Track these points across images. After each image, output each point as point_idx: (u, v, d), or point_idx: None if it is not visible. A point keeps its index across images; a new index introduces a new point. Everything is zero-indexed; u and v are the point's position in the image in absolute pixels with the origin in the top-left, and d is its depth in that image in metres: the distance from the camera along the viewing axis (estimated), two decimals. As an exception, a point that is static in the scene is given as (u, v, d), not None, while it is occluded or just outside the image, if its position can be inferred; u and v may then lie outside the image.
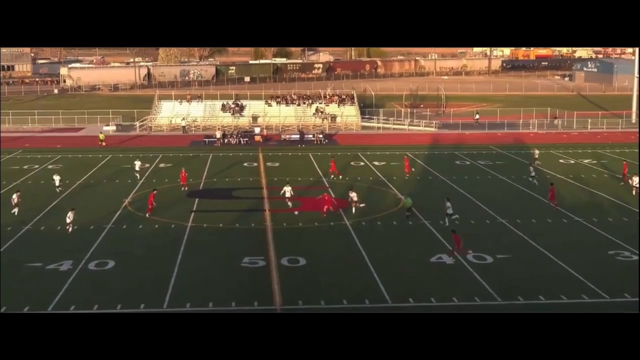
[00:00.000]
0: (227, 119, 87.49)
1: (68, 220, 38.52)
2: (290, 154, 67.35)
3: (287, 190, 44.56)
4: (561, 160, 63.37)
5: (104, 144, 72.94)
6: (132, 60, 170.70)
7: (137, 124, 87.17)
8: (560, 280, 31.53)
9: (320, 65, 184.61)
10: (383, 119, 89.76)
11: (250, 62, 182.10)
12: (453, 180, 53.27)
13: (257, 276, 31.99)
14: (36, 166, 60.18)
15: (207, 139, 76.22)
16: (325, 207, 42.43)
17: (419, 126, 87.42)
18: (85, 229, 39.24)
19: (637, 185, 47.53)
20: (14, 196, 42.91)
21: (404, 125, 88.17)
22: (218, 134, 76.34)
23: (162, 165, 60.95)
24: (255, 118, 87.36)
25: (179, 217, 41.98)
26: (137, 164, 55.48)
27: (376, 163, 61.47)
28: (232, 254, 34.98)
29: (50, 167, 59.93)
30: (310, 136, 77.16)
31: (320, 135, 76.40)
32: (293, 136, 78.06)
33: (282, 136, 77.84)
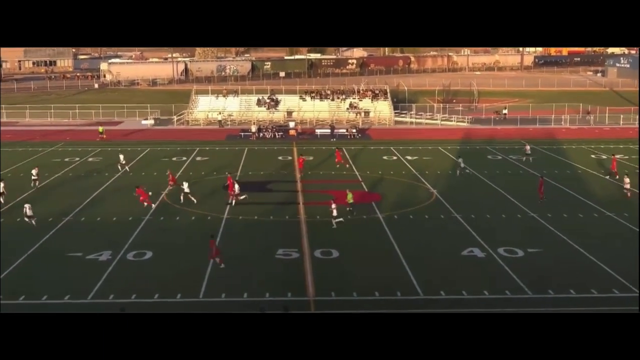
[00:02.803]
0: (262, 114, 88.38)
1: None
2: (324, 148, 67.94)
3: (185, 186, 45.44)
4: (593, 156, 63.18)
5: (104, 136, 74.64)
6: (170, 55, 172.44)
7: (175, 118, 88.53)
8: (590, 274, 31.70)
9: (354, 61, 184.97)
10: (416, 114, 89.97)
11: (286, 57, 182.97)
12: (484, 174, 53.49)
13: (290, 268, 32.59)
14: (77, 158, 61.51)
15: (242, 133, 77.16)
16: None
17: (452, 121, 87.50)
18: (124, 220, 40.17)
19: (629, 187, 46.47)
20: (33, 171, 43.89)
21: (436, 120, 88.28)
22: (253, 128, 77.22)
23: (198, 158, 61.97)
24: (289, 112, 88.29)
25: (215, 209, 42.78)
26: (121, 157, 57.27)
27: (409, 157, 61.86)
28: (267, 245, 35.64)
29: (90, 159, 61.20)
30: (344, 131, 77.70)
31: (354, 130, 76.86)
32: (324, 131, 78.59)
33: (317, 131, 78.34)
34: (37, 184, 48.41)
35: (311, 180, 51.87)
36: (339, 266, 32.80)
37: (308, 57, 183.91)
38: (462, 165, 54.31)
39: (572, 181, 49.81)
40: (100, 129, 76.23)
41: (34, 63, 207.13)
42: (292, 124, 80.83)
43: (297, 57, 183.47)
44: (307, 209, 43.10)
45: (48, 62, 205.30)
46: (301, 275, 31.48)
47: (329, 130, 77.70)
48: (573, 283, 30.37)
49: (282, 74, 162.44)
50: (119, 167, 55.63)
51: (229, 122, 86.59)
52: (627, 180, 46.62)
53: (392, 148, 67.00)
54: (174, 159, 61.31)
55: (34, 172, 49.03)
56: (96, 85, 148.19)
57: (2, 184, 43.79)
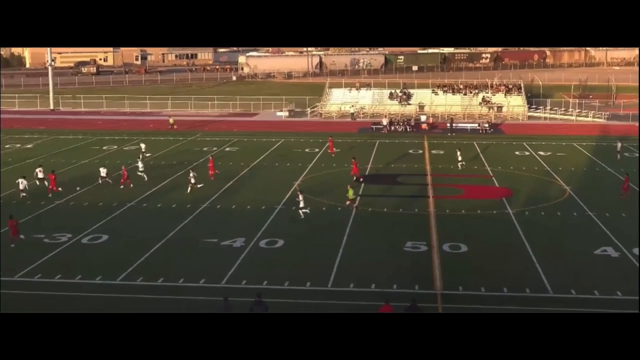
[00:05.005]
0: (394, 107, 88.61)
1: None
2: (455, 142, 67.51)
3: (102, 171, 47.59)
4: None
5: (175, 127, 77.20)
6: (305, 49, 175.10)
7: (308, 110, 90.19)
8: None
9: (488, 55, 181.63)
10: (550, 110, 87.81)
11: (419, 51, 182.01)
12: (621, 172, 51.71)
13: (418, 260, 32.72)
14: (214, 148, 63.79)
15: (374, 126, 77.67)
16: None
17: (587, 117, 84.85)
18: (258, 208, 41.43)
19: None
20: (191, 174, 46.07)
21: (571, 115, 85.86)
22: (385, 121, 77.61)
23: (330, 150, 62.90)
24: (421, 106, 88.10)
25: (345, 200, 43.42)
26: (143, 146, 60.91)
27: (541, 153, 60.63)
28: (395, 238, 35.92)
29: (227, 149, 63.36)
30: (476, 125, 77.02)
31: (486, 125, 75.99)
32: (460, 125, 78.12)
33: (448, 125, 77.88)
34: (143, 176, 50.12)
35: (441, 174, 51.77)
36: (467, 261, 32.70)
37: (441, 51, 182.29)
38: (619, 148, 57.48)
39: None
40: (171, 120, 79.26)
41: (176, 56, 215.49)
42: (423, 118, 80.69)
43: (430, 51, 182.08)
44: (437, 202, 43.11)
45: (189, 55, 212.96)
46: (429, 268, 31.62)
47: (466, 124, 77.41)
48: None
49: (414, 67, 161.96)
50: (141, 155, 57.50)
51: (361, 115, 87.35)
52: None
53: (524, 143, 65.83)
54: (307, 150, 62.51)
55: (139, 165, 51.27)
56: (234, 78, 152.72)
57: (192, 174, 46.29)
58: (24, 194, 43.93)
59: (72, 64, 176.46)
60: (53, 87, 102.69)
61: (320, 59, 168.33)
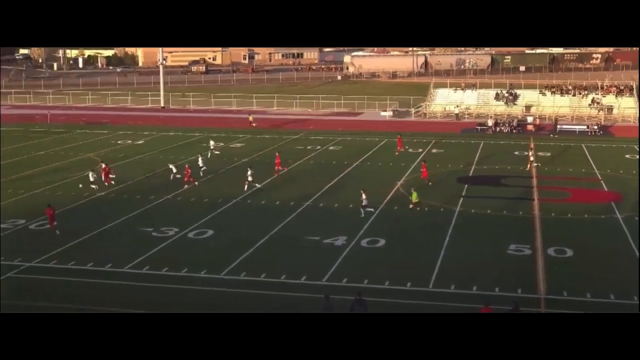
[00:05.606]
0: (500, 108, 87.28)
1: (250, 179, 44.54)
2: (562, 144, 65.93)
3: (91, 175, 46.35)
4: None
5: (254, 125, 78.02)
6: (411, 49, 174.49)
7: (412, 110, 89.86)
8: None
9: (599, 55, 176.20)
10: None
11: (526, 51, 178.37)
12: None
13: (522, 264, 32.18)
14: (318, 147, 64.40)
15: (479, 127, 76.75)
16: None
17: None
18: (360, 207, 41.62)
19: None
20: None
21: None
22: (490, 122, 76.56)
23: (434, 150, 62.57)
24: (528, 107, 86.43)
25: (448, 201, 43.13)
26: (212, 143, 61.43)
27: (656, 157, 58.56)
28: (498, 240, 35.42)
29: (331, 148, 63.86)
30: (584, 127, 75.05)
31: (595, 127, 73.91)
32: (568, 127, 76.24)
33: (558, 126, 76.06)
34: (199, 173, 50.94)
35: (547, 176, 50.70)
36: (572, 265, 31.96)
37: (550, 51, 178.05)
38: None
39: None
40: (250, 117, 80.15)
41: (282, 55, 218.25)
42: (530, 119, 79.15)
43: (538, 51, 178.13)
44: (542, 205, 42.26)
45: (296, 55, 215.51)
46: (532, 272, 31.06)
47: (574, 126, 75.58)
48: None
49: (522, 68, 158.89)
50: (210, 153, 58.70)
51: (466, 116, 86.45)
52: None
53: (635, 146, 63.60)
54: (410, 150, 62.31)
55: (200, 162, 52.30)
56: (339, 77, 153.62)
57: (250, 172, 46.75)
58: (94, 186, 46.02)
59: (184, 63, 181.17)
60: (164, 85, 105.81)
61: (426, 58, 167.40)
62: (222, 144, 66.21)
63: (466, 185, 48.09)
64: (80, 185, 46.69)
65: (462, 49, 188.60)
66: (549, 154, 60.38)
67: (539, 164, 53.53)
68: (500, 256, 33.18)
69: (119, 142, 68.50)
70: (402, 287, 29.25)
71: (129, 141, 69.01)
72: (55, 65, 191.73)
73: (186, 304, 27.27)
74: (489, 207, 41.79)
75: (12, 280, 30.20)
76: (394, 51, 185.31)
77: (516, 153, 61.16)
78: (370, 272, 30.99)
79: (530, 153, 53.76)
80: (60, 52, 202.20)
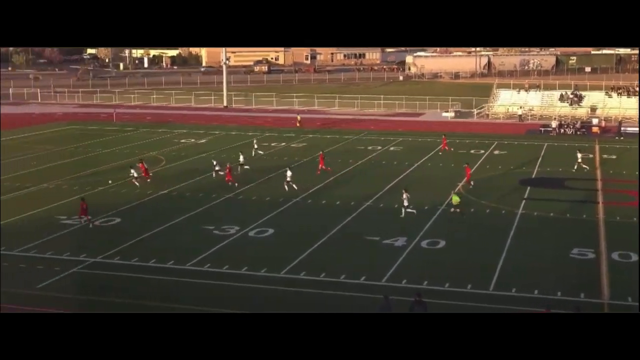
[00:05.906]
0: (565, 109, 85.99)
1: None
2: (628, 146, 64.61)
3: (133, 171, 47.48)
4: None
5: (299, 124, 78.86)
6: (473, 49, 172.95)
7: (475, 111, 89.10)
8: None
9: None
10: None
11: (592, 52, 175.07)
12: None
13: (585, 268, 31.65)
14: (379, 147, 64.35)
15: (542, 128, 75.74)
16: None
17: None
18: (420, 208, 41.37)
19: None
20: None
21: None
22: (554, 124, 75.45)
23: (496, 152, 61.96)
24: (593, 109, 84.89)
25: (510, 203, 42.68)
26: (255, 142, 61.70)
27: None
28: (561, 243, 34.90)
29: (392, 148, 63.76)
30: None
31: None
32: (633, 129, 74.60)
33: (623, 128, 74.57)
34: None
35: (613, 179, 49.75)
36: (638, 270, 31.31)
37: (616, 52, 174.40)
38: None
39: None
40: (298, 117, 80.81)
41: (344, 55, 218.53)
42: (595, 121, 77.71)
43: (604, 51, 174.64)
44: (607, 208, 41.51)
45: (357, 55, 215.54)
46: (596, 276, 30.54)
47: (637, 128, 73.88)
48: None
49: (587, 69, 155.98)
50: (254, 153, 59.14)
51: (529, 117, 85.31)
52: None
53: None
54: (472, 151, 61.83)
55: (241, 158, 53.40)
56: (401, 78, 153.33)
57: (289, 173, 46.76)
58: (137, 183, 47.22)
59: (247, 63, 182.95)
60: (227, 85, 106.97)
61: (489, 59, 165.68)
62: (284, 144, 66.61)
63: (529, 188, 47.49)
64: (137, 184, 47.48)
65: (527, 49, 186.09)
66: (614, 157, 59.23)
67: (588, 168, 52.47)
68: (563, 260, 32.70)
69: (182, 140, 69.55)
70: (462, 289, 29.04)
71: (192, 140, 70.00)
72: (121, 65, 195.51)
73: (248, 303, 27.53)
74: (551, 210, 41.20)
75: (77, 275, 30.95)
76: (457, 51, 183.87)
77: (581, 155, 60.03)
78: (430, 273, 30.85)
79: (579, 155, 52.84)
80: (127, 52, 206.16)
